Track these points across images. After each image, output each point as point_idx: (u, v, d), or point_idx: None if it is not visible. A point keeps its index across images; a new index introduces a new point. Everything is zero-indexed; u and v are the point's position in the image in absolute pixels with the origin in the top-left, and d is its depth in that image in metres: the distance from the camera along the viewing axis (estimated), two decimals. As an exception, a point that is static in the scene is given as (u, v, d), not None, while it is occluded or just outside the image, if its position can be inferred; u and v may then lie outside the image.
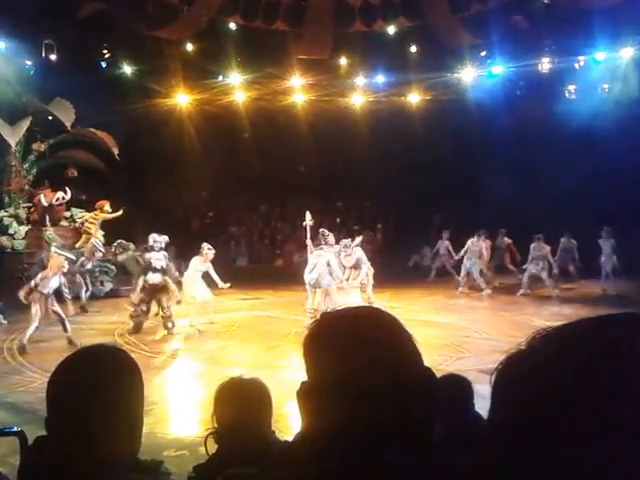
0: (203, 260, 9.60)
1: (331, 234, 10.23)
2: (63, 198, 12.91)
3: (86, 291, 11.27)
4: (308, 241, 10.34)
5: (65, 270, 8.88)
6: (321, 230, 10.28)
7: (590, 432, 0.48)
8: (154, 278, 9.05)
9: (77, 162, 13.84)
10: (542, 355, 0.54)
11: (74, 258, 10.06)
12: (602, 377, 0.49)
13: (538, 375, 0.52)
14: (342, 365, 0.89)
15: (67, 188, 12.97)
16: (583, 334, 0.54)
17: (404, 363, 0.91)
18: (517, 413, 0.52)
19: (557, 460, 0.49)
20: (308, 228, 10.57)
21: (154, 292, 9.11)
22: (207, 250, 9.66)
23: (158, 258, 9.03)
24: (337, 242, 10.67)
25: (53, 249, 9.62)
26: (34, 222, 12.79)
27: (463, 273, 13.14)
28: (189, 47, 14.75)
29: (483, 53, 15.00)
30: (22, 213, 12.87)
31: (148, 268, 9.09)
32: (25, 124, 12.80)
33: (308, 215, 10.73)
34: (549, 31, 13.37)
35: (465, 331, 9.42)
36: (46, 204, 12.72)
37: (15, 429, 2.24)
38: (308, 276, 9.59)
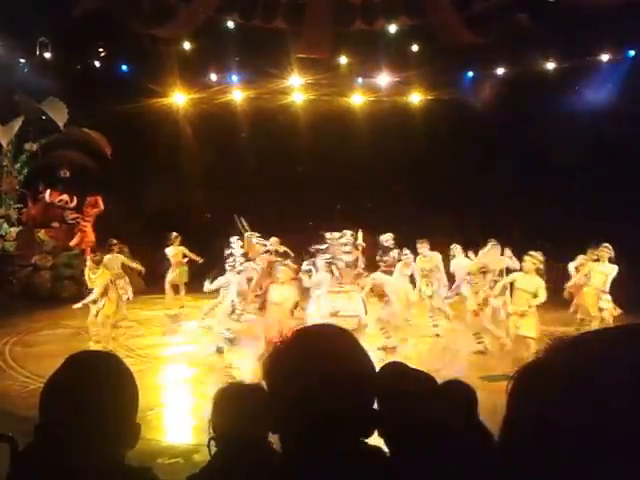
0: None
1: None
2: (66, 202, 12.81)
3: None
4: (359, 268, 8.82)
5: None
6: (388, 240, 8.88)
7: (606, 443, 0.47)
8: None
9: (70, 162, 13.62)
10: (558, 365, 0.54)
11: None
12: (617, 387, 0.48)
13: (554, 385, 0.52)
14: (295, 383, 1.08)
15: (74, 197, 12.91)
16: (600, 344, 0.54)
17: (352, 380, 1.09)
18: (534, 422, 0.52)
19: (573, 468, 0.48)
20: (360, 250, 9.10)
21: None
22: None
23: None
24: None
25: None
26: (27, 221, 12.63)
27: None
28: (186, 46, 14.52)
29: (485, 52, 14.76)
30: (13, 214, 12.68)
31: None
32: (17, 124, 12.59)
33: (360, 235, 9.22)
34: (554, 30, 13.14)
35: (468, 336, 9.15)
36: (49, 200, 12.54)
37: (6, 435, 2.15)
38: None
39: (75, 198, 13.00)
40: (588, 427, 0.48)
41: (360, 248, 9.26)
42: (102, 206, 12.95)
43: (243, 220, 9.42)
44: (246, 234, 9.24)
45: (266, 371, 1.14)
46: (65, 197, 12.87)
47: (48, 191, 12.80)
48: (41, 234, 12.28)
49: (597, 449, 0.47)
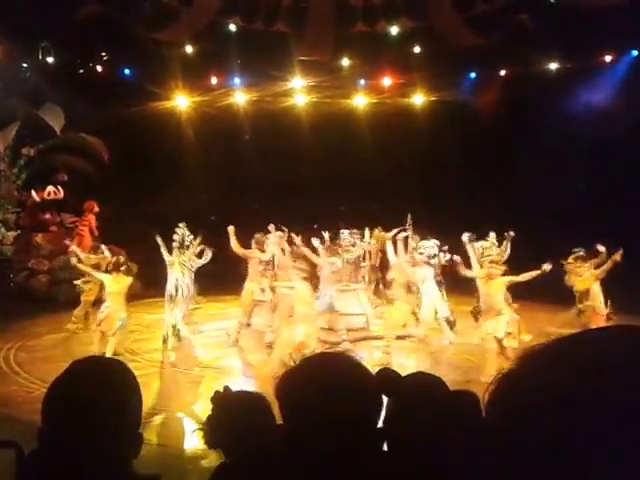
0: None
1: None
2: (55, 193, 12.71)
3: None
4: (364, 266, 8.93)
5: None
6: None
7: (576, 450, 0.47)
8: None
9: (67, 166, 13.59)
10: (528, 374, 0.54)
11: None
12: (584, 394, 0.48)
13: (524, 395, 0.53)
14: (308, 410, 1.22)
15: (59, 187, 12.80)
16: (567, 351, 0.54)
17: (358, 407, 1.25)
18: (506, 433, 0.52)
19: (546, 477, 0.49)
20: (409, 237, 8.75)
21: None
22: None
23: None
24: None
25: None
26: (24, 226, 12.59)
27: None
28: (188, 49, 14.52)
29: (487, 53, 14.74)
30: (11, 218, 12.65)
31: None
32: (14, 129, 12.58)
33: (367, 233, 9.26)
34: (556, 31, 13.10)
35: (475, 339, 9.07)
36: (39, 199, 12.52)
37: (12, 440, 2.17)
38: None
39: (61, 189, 12.90)
40: (556, 436, 0.48)
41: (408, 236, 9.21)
42: (98, 211, 12.85)
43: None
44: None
45: (278, 391, 1.32)
46: (50, 188, 12.75)
47: (32, 191, 12.69)
48: (38, 238, 12.24)
49: (569, 457, 0.48)
